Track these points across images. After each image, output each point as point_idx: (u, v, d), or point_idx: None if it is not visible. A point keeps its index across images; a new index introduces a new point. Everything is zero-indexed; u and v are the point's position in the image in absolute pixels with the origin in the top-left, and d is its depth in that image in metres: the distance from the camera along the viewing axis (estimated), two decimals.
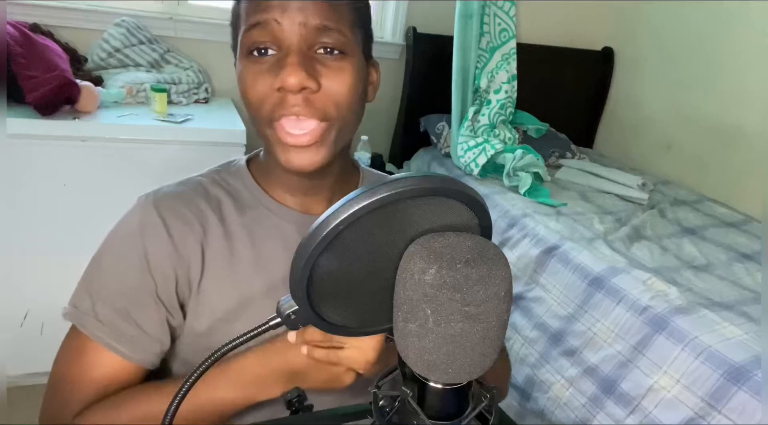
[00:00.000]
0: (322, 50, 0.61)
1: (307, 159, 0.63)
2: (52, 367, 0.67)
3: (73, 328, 0.66)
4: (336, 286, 0.39)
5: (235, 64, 0.66)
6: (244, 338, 0.41)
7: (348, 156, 0.76)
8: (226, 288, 0.67)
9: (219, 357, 0.41)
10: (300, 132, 0.61)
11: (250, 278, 0.68)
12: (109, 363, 0.64)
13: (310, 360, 0.57)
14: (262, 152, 0.76)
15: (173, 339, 0.69)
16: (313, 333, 0.55)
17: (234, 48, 0.66)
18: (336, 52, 0.61)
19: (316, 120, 0.61)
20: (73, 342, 0.66)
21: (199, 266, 0.67)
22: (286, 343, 0.58)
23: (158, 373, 0.71)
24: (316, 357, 0.56)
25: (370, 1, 0.62)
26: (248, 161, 0.76)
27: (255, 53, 0.61)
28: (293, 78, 0.58)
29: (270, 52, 0.61)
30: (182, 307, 0.67)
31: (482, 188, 2.12)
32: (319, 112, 0.61)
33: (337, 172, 0.72)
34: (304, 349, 0.56)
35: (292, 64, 0.58)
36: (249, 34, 0.61)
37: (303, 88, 0.59)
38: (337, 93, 0.61)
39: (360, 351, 0.57)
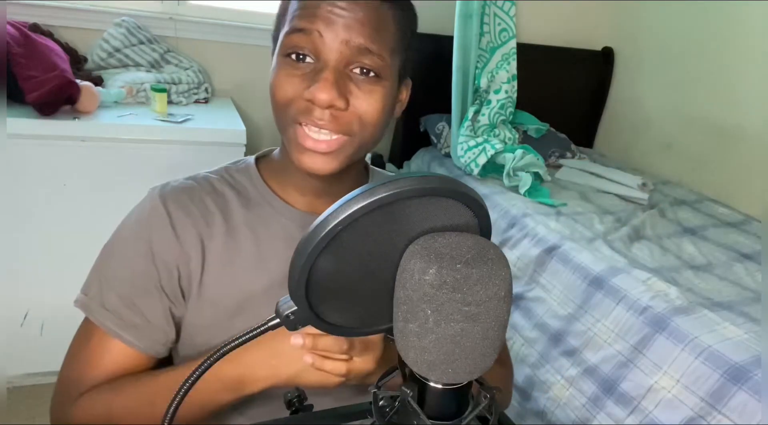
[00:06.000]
0: (357, 70, 0.62)
1: (321, 164, 0.64)
2: (66, 353, 0.69)
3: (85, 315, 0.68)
4: (335, 286, 0.39)
5: (271, 57, 0.66)
6: (244, 338, 0.41)
7: (362, 164, 0.77)
8: (228, 284, 0.68)
9: (218, 358, 0.41)
10: (320, 138, 0.63)
11: (252, 275, 0.69)
12: (113, 349, 0.66)
13: (306, 365, 0.57)
14: (275, 151, 0.77)
15: (179, 331, 0.70)
16: (326, 342, 0.55)
17: (274, 39, 0.67)
18: (371, 74, 0.62)
19: (339, 134, 0.63)
20: (83, 328, 0.68)
21: (199, 260, 0.68)
22: (287, 346, 0.58)
23: (167, 365, 0.71)
24: (327, 369, 0.57)
25: (382, 15, 0.63)
26: (258, 160, 0.77)
27: (293, 57, 0.62)
28: (324, 95, 0.59)
29: (308, 59, 0.62)
30: (185, 299, 0.68)
31: (482, 188, 2.11)
32: (343, 127, 0.63)
33: (352, 177, 0.73)
34: (309, 359, 0.56)
35: (326, 80, 0.60)
36: (290, 37, 0.62)
37: (331, 106, 0.60)
38: (364, 113, 0.63)
39: (363, 363, 0.58)
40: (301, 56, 0.62)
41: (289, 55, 0.62)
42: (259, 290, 0.68)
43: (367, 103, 0.62)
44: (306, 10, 0.61)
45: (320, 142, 0.63)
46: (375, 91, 0.63)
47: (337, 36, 0.60)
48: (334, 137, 0.63)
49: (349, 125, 0.63)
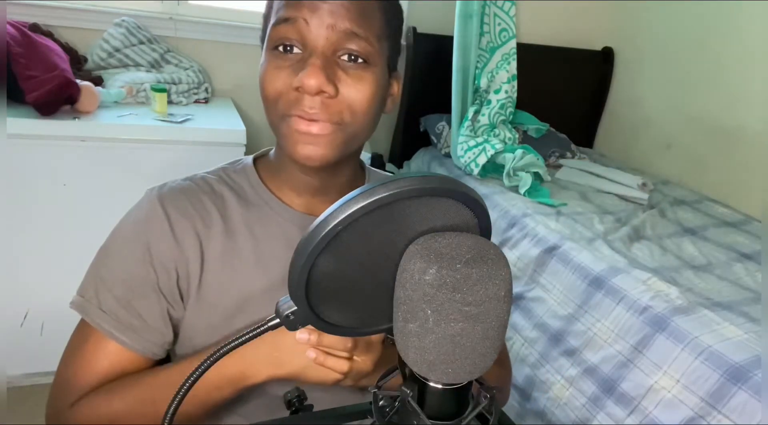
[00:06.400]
0: (345, 56, 0.61)
1: (315, 151, 0.63)
2: (62, 355, 0.68)
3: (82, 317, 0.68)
4: (335, 286, 0.39)
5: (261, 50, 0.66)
6: (243, 338, 0.41)
7: (357, 162, 0.77)
8: (227, 285, 0.68)
9: (218, 358, 0.41)
10: (312, 129, 0.62)
11: (250, 277, 0.69)
12: (110, 351, 0.65)
13: (308, 361, 0.57)
14: (272, 151, 0.76)
15: (177, 333, 0.70)
16: (331, 339, 0.56)
17: (262, 39, 0.66)
18: (360, 60, 0.61)
19: (330, 123, 0.62)
20: (79, 330, 0.68)
21: (198, 261, 0.67)
22: (289, 341, 0.58)
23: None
24: (329, 365, 0.57)
25: (367, 1, 0.63)
26: (255, 160, 0.76)
27: (280, 49, 0.62)
28: (313, 80, 0.58)
29: (295, 50, 0.61)
30: (183, 300, 0.68)
31: (482, 188, 2.12)
32: (334, 116, 0.62)
33: (346, 175, 0.73)
34: (312, 353, 0.57)
35: (314, 65, 0.59)
36: (277, 29, 0.61)
37: (321, 92, 0.60)
38: (354, 101, 0.62)
39: (363, 363, 0.59)
40: (288, 47, 0.61)
41: (276, 47, 0.62)
42: (258, 291, 0.68)
43: (356, 89, 0.62)
44: (291, 1, 0.60)
45: (312, 124, 0.62)
46: (364, 77, 0.62)
47: (322, 22, 0.59)
48: (326, 127, 0.62)
49: (339, 114, 0.62)
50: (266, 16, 0.66)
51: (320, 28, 0.59)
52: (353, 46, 0.60)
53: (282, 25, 0.60)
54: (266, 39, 0.64)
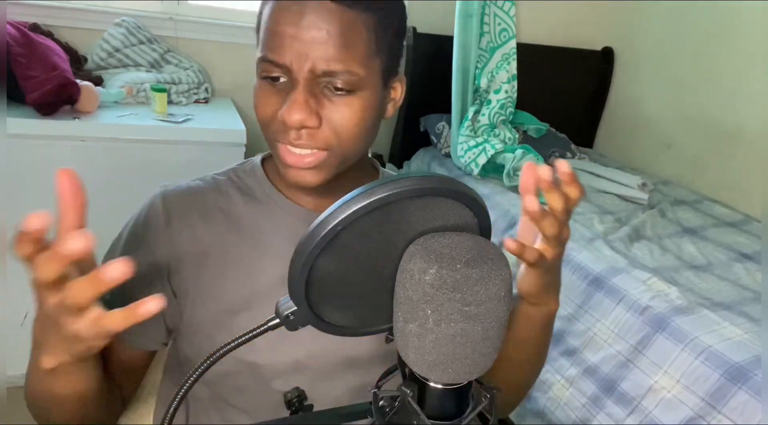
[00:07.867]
0: (329, 86, 0.61)
1: (307, 178, 0.65)
2: None
3: None
4: (335, 286, 0.39)
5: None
6: (243, 339, 0.41)
7: (365, 160, 0.77)
8: (230, 281, 0.69)
9: (218, 357, 0.41)
10: (300, 153, 0.63)
11: (255, 273, 0.69)
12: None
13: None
14: None
15: (174, 328, 0.71)
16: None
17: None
18: (344, 90, 0.61)
19: (317, 150, 0.63)
20: None
21: (194, 260, 0.69)
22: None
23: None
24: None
25: (349, 28, 0.60)
26: (264, 160, 0.77)
27: (267, 79, 0.63)
28: (295, 116, 0.59)
29: (281, 79, 0.62)
30: (177, 296, 0.69)
31: (482, 188, 2.11)
32: (321, 142, 0.63)
33: (353, 174, 0.72)
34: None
35: (295, 102, 0.60)
36: (262, 64, 0.62)
37: (303, 127, 0.61)
38: (340, 127, 0.62)
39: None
40: (275, 77, 0.62)
41: (264, 78, 0.63)
42: (263, 287, 0.69)
43: (342, 116, 0.62)
44: (272, 40, 0.61)
45: (301, 157, 0.63)
46: (350, 103, 0.62)
47: (302, 63, 0.59)
48: (313, 153, 0.63)
49: (326, 141, 0.63)
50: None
51: (300, 69, 0.60)
52: (336, 80, 0.60)
53: (266, 63, 0.62)
54: (256, 63, 0.64)
